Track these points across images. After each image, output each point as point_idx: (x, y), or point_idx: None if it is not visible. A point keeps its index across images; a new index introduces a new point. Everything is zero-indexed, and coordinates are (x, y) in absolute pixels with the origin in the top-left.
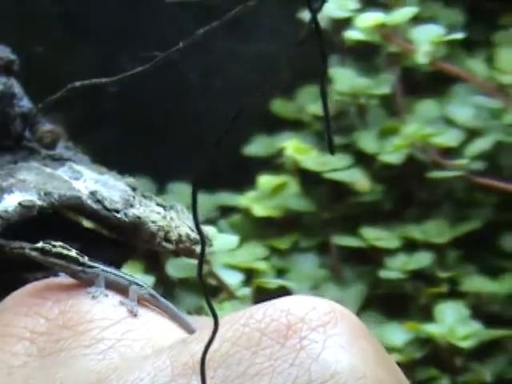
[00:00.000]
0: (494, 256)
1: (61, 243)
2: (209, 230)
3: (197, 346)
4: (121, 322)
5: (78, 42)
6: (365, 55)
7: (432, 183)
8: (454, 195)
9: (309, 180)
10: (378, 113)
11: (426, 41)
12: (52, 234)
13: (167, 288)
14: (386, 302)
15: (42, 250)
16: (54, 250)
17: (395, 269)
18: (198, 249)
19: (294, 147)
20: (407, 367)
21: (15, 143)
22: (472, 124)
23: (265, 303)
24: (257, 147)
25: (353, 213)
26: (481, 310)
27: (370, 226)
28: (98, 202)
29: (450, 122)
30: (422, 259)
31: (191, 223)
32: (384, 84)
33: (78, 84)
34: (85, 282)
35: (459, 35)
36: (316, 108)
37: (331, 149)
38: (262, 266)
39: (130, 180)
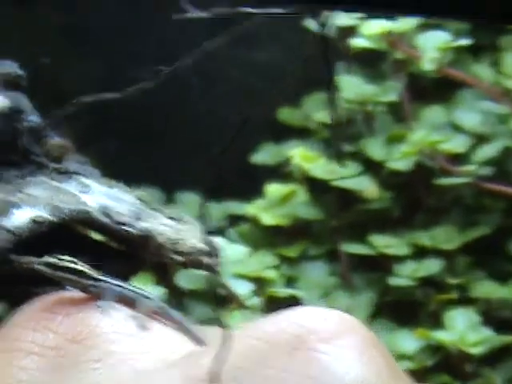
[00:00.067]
0: (504, 261)
1: (70, 257)
2: (218, 240)
3: (208, 359)
4: (131, 336)
5: (81, 52)
6: (370, 62)
7: (440, 190)
8: (462, 201)
9: (317, 188)
10: (385, 120)
11: (433, 47)
12: (61, 248)
13: (176, 299)
14: (396, 309)
15: (51, 265)
16: (63, 264)
17: (405, 276)
18: (207, 260)
19: (302, 155)
20: (419, 374)
21: (23, 158)
22: (479, 130)
23: (275, 314)
24: (264, 155)
25: (361, 220)
26: (491, 315)
27: (379, 234)
28: (107, 215)
29: (457, 128)
30: (432, 266)
31: (200, 234)
32: (391, 91)
33: (86, 99)
34: (94, 295)
35: (465, 41)
36: (323, 115)
37: (340, 159)
38: (271, 274)
39: (139, 192)
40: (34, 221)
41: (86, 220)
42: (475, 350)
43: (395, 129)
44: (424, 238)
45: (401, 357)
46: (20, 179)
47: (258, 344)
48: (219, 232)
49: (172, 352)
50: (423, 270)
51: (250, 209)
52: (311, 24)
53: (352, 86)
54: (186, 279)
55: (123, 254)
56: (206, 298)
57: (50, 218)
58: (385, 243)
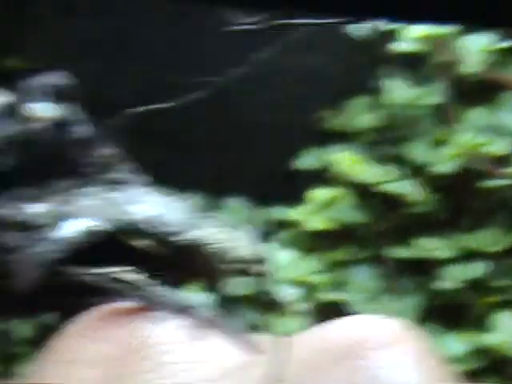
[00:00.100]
0: None
1: (123, 268)
2: (267, 247)
3: (262, 367)
4: (185, 346)
5: (128, 62)
6: (413, 66)
7: (485, 192)
8: (507, 203)
9: (361, 192)
10: (428, 123)
11: (475, 50)
12: (111, 258)
13: (225, 306)
14: (442, 312)
15: (104, 275)
16: (118, 275)
17: (450, 279)
18: (257, 267)
19: (346, 160)
20: (468, 377)
21: (73, 169)
22: None
23: (330, 323)
24: (307, 160)
25: (406, 224)
26: None
27: (424, 237)
28: (158, 225)
29: (500, 130)
30: (477, 268)
31: (251, 243)
32: (434, 94)
33: (135, 110)
34: (147, 306)
35: (508, 43)
36: (365, 119)
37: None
38: (318, 279)
39: (190, 201)
40: (85, 232)
41: (137, 230)
42: None
43: (438, 132)
44: (469, 241)
45: (449, 360)
46: (70, 190)
47: (311, 353)
48: (265, 237)
49: (226, 361)
50: (468, 273)
51: (296, 214)
52: (352, 30)
53: (395, 89)
54: (235, 286)
55: (174, 263)
56: (254, 304)
57: (101, 228)
58: (430, 246)
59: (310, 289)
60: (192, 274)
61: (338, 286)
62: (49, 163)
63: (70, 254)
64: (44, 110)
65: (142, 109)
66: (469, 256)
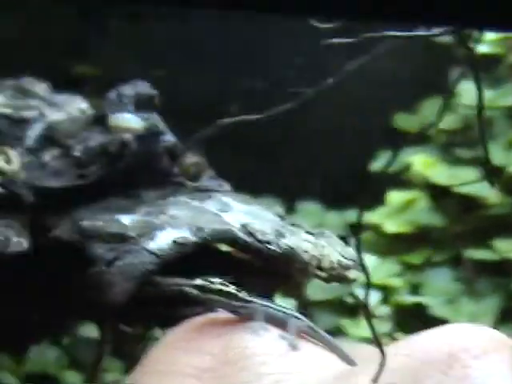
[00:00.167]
0: None
1: (219, 280)
2: (355, 252)
3: (362, 378)
4: (282, 356)
5: (197, 66)
6: (486, 67)
7: None
8: None
9: (437, 194)
10: (503, 124)
11: None
12: (202, 268)
13: (305, 310)
14: None
15: (201, 287)
16: (212, 286)
17: None
18: (349, 274)
19: (422, 162)
20: None
21: (162, 178)
22: None
23: (425, 332)
24: (382, 163)
25: (483, 225)
26: None
27: (502, 239)
28: (250, 234)
29: None
30: None
31: (341, 249)
32: (508, 95)
33: (226, 121)
34: (244, 317)
35: None
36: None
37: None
38: (396, 282)
39: (277, 209)
40: (178, 242)
41: (230, 240)
42: None
43: None
44: None
45: None
46: (161, 200)
47: (412, 362)
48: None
49: (323, 372)
50: None
51: (373, 217)
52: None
53: (469, 91)
54: (317, 290)
55: (265, 272)
56: (333, 307)
57: (193, 238)
58: (508, 248)
59: (387, 292)
60: (283, 282)
61: (416, 288)
62: (137, 173)
63: (163, 264)
64: (131, 121)
65: (233, 120)
66: None
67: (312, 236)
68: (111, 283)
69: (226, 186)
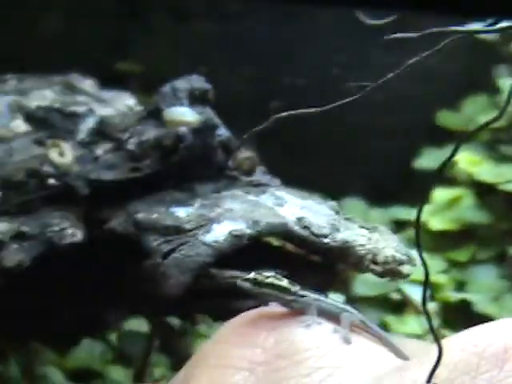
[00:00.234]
0: None
1: (272, 273)
2: (412, 251)
3: (417, 372)
4: (336, 350)
5: (238, 64)
6: None
7: None
8: None
9: (483, 191)
10: None
11: None
12: (255, 261)
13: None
14: None
15: (254, 281)
16: (266, 280)
17: None
18: (403, 269)
19: (467, 159)
20: None
21: (218, 172)
22: None
23: (478, 327)
24: (426, 160)
25: None
26: None
27: None
28: (306, 228)
29: None
30: None
31: (396, 244)
32: None
33: (282, 115)
34: (297, 310)
35: None
36: (485, 118)
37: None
38: (441, 279)
39: (332, 203)
40: (234, 235)
41: (285, 233)
42: None
43: None
44: None
45: None
46: (216, 194)
47: (466, 356)
48: None
49: (377, 366)
50: None
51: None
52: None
53: None
54: (365, 286)
55: (319, 266)
56: (378, 303)
57: (249, 231)
58: None
59: (433, 289)
60: (336, 276)
61: (461, 285)
62: (192, 167)
63: (219, 257)
64: (186, 114)
65: (290, 113)
66: None
67: (367, 230)
68: (167, 275)
69: (277, 182)
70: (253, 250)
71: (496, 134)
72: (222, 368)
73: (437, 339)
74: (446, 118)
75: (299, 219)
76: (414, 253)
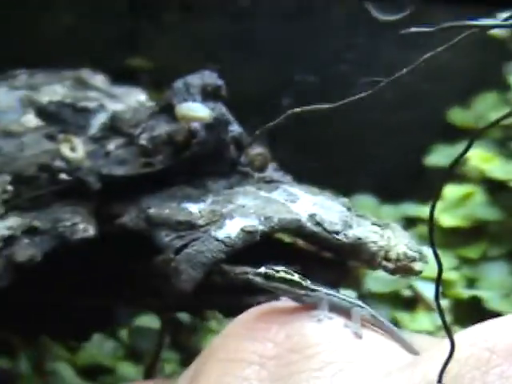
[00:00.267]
0: None
1: (284, 268)
2: (423, 248)
3: (428, 367)
4: (347, 345)
5: (249, 61)
6: None
7: None
8: None
9: (494, 188)
10: None
11: None
12: (267, 257)
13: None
14: None
15: (265, 275)
16: (277, 275)
17: None
18: (415, 266)
19: (478, 156)
20: None
21: (230, 168)
22: None
23: (489, 322)
24: (437, 157)
25: None
26: None
27: None
28: (318, 224)
29: None
30: None
31: (407, 241)
32: None
33: (297, 110)
34: (308, 305)
35: None
36: (496, 115)
37: None
38: (453, 276)
39: (344, 200)
40: (246, 231)
41: (298, 229)
42: None
43: None
44: None
45: None
46: (228, 190)
47: (477, 351)
48: None
49: (388, 361)
50: None
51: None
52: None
53: None
54: (377, 282)
55: (330, 263)
56: (389, 300)
57: (261, 227)
58: None
59: (444, 285)
60: (348, 273)
61: (472, 282)
62: (204, 162)
63: (231, 253)
64: (198, 110)
65: (305, 109)
66: None
67: (379, 227)
68: (178, 271)
69: (289, 178)
70: (264, 246)
71: (507, 130)
72: (233, 362)
73: (449, 334)
74: (457, 115)
75: (311, 215)
76: (426, 249)
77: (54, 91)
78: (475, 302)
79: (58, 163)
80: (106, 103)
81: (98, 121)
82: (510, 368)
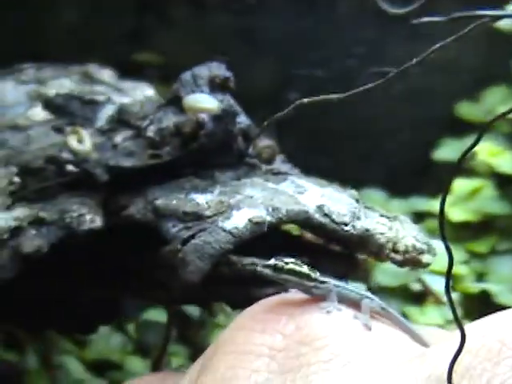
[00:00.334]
0: None
1: (293, 260)
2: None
3: (438, 359)
4: (357, 337)
5: (258, 54)
6: None
7: None
8: None
9: (503, 183)
10: None
11: None
12: (275, 249)
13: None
14: None
15: (274, 267)
16: (286, 266)
17: None
18: (423, 258)
19: (487, 150)
20: None
21: (237, 160)
22: None
23: (499, 313)
24: (446, 151)
25: None
26: None
27: None
28: (326, 215)
29: None
30: None
31: (416, 233)
32: None
33: (306, 100)
34: (317, 297)
35: None
36: (505, 109)
37: None
38: (462, 270)
39: (352, 192)
40: (254, 222)
41: (305, 221)
42: None
43: None
44: None
45: None
46: (236, 181)
47: (488, 342)
48: None
49: (397, 352)
50: None
51: (437, 205)
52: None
53: None
54: (386, 276)
55: (339, 254)
56: (398, 293)
57: (269, 218)
58: None
59: (454, 280)
60: (355, 264)
61: (481, 276)
62: (212, 153)
63: (238, 244)
64: (206, 101)
65: (314, 99)
66: None
67: (387, 219)
68: (186, 262)
69: (297, 171)
70: (272, 238)
71: None
72: (242, 354)
73: (460, 325)
74: (466, 110)
75: (319, 207)
76: (434, 243)
77: (62, 85)
78: (484, 296)
79: (66, 155)
80: (114, 97)
81: (106, 113)
82: None
